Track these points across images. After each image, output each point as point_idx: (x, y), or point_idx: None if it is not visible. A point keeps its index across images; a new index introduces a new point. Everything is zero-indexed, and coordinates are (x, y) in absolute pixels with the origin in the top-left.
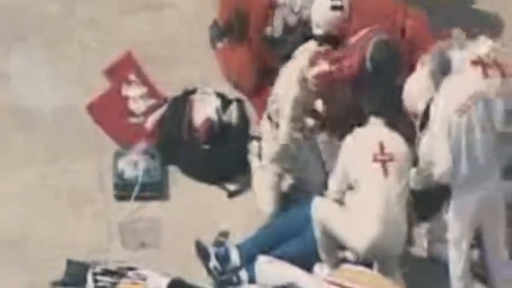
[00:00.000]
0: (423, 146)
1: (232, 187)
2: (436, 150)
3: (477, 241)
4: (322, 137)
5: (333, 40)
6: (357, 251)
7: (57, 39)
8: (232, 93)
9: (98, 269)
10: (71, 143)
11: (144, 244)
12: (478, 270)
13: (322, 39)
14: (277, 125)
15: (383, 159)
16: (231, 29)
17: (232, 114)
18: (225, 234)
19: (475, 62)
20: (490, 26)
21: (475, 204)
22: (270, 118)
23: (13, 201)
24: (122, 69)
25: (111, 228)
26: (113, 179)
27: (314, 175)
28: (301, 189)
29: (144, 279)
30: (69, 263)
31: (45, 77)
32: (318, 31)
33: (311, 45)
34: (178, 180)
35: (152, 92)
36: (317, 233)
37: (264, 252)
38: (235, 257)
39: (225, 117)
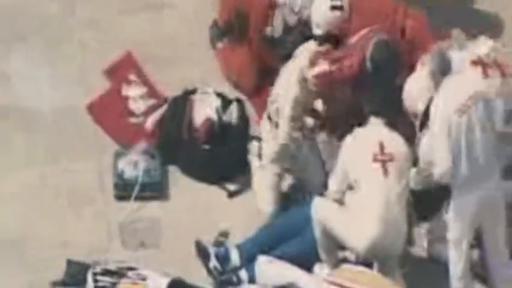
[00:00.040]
0: (423, 146)
1: (232, 187)
2: (436, 150)
3: (477, 241)
4: (322, 137)
5: (333, 40)
6: (357, 251)
7: (57, 39)
8: (232, 93)
9: (98, 269)
10: (71, 143)
11: (144, 244)
12: (478, 270)
13: (322, 39)
14: (276, 125)
15: (383, 159)
16: (231, 29)
17: (232, 114)
18: (225, 234)
19: (475, 62)
20: (490, 26)
21: (475, 204)
22: (269, 118)
23: (13, 201)
24: (122, 69)
25: (111, 228)
26: (113, 179)
27: (314, 175)
28: (301, 189)
29: (144, 279)
30: (69, 263)
31: (45, 77)
32: (318, 31)
33: (311, 45)
34: (178, 180)
35: (152, 92)
36: (317, 233)
37: (264, 252)
38: (235, 257)
39: (225, 117)
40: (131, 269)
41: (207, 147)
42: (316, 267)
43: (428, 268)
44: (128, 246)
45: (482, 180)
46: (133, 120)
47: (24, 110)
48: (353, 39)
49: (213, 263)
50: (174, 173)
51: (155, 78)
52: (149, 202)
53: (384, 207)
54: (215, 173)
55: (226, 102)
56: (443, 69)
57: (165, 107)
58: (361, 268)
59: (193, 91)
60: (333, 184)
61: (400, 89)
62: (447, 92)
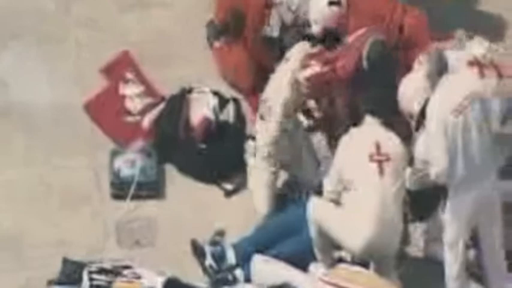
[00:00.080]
0: (419, 146)
1: (228, 186)
2: (433, 150)
3: (473, 241)
4: (317, 137)
5: (332, 38)
6: (353, 250)
7: (53, 37)
8: (229, 92)
9: (94, 268)
10: (67, 141)
11: (140, 243)
12: (474, 270)
13: (320, 37)
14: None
15: (379, 159)
16: (228, 28)
17: (229, 113)
18: (221, 233)
19: (472, 63)
20: (493, 26)
21: (472, 204)
22: (262, 118)
23: (9, 200)
24: (119, 68)
25: (107, 226)
26: (109, 177)
27: (309, 174)
28: (297, 189)
29: (139, 277)
30: (65, 261)
31: (41, 75)
32: (315, 28)
33: (302, 47)
34: (175, 179)
35: (149, 91)
36: (313, 232)
37: (260, 251)
38: (231, 256)
39: (221, 116)
40: (127, 267)
41: (203, 146)
42: (312, 267)
43: (424, 268)
44: (123, 244)
45: (478, 180)
46: (130, 118)
47: (20, 108)
48: (349, 39)
49: (209, 261)
50: (171, 172)
51: (152, 77)
52: (145, 201)
53: (380, 207)
54: (212, 172)
55: (223, 101)
56: (439, 70)
57: (161, 106)
58: (357, 268)
59: (190, 90)
60: (329, 184)
61: (396, 88)
62: (444, 92)
